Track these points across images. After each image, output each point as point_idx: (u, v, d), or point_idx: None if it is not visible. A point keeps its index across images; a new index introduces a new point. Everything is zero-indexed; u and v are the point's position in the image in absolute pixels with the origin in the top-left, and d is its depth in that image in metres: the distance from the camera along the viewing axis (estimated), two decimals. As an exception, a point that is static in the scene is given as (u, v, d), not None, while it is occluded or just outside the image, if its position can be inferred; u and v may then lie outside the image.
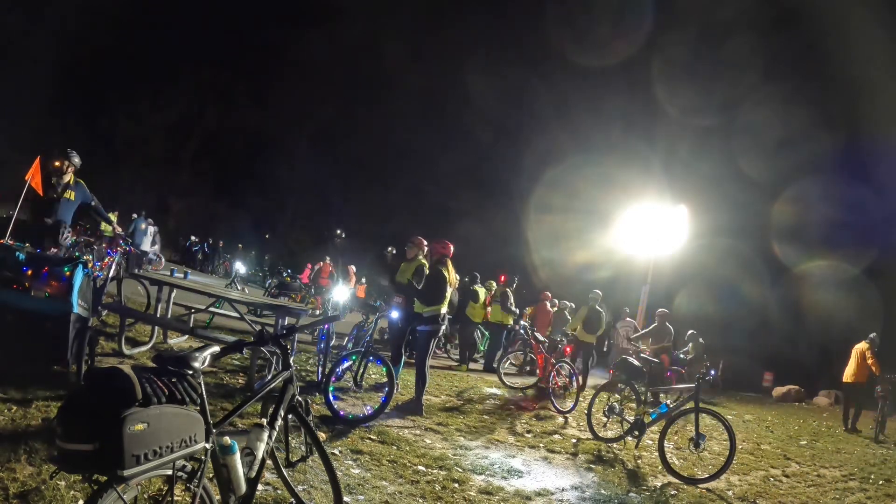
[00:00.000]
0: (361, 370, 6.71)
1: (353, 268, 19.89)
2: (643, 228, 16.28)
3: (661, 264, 17.14)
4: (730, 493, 5.84)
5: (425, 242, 8.03)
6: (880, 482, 7.14)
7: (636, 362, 7.66)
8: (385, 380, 6.60)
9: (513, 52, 41.88)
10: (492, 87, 38.48)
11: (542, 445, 6.55)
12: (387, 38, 41.77)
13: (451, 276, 7.48)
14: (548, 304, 14.12)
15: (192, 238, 30.92)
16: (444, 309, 7.36)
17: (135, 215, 18.91)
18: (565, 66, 35.55)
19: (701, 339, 13.88)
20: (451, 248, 7.61)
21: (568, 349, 10.55)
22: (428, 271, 7.56)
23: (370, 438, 5.51)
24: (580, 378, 9.48)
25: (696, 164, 29.54)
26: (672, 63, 32.63)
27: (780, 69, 32.67)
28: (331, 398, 6.06)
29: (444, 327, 7.66)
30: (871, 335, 11.63)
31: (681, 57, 33.30)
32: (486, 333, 13.83)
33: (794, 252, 26.38)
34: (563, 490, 5.12)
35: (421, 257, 7.93)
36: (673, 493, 5.59)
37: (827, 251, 25.54)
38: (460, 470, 5.11)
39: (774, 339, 23.81)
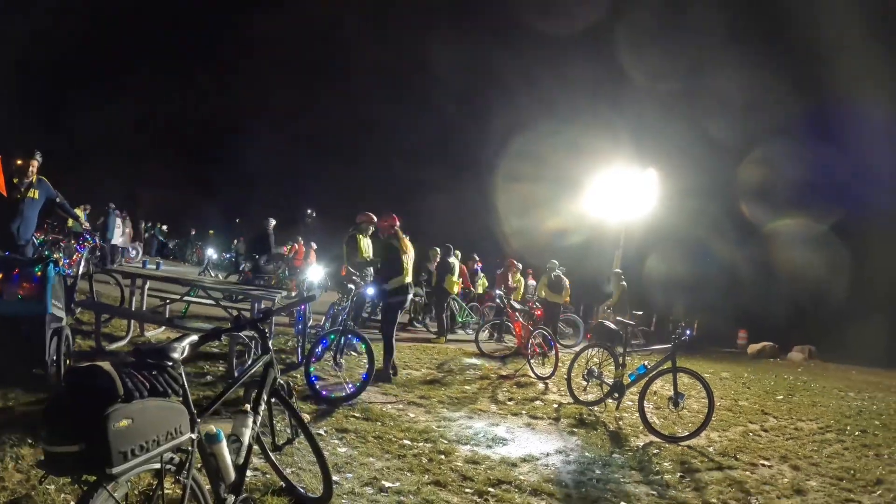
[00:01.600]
0: (341, 349, 6.74)
1: (314, 245, 19.97)
2: (614, 193, 16.43)
3: (633, 228, 17.37)
4: (710, 449, 5.98)
5: (375, 218, 8.15)
6: (856, 433, 7.35)
7: (612, 325, 7.78)
8: (365, 357, 6.64)
9: (476, 20, 41.56)
10: (456, 58, 38.21)
11: (524, 412, 6.66)
12: (346, 12, 41.17)
13: (405, 246, 7.56)
14: (510, 273, 14.37)
15: (146, 223, 28.42)
16: (408, 279, 7.51)
17: (111, 205, 18.42)
18: (530, 34, 35.42)
19: (624, 282, 14.11)
20: (398, 219, 7.72)
21: (539, 313, 10.64)
22: (379, 245, 7.65)
23: (354, 416, 5.55)
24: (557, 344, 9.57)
25: (663, 127, 29.78)
26: (637, 28, 32.66)
27: (746, 32, 32.88)
28: (312, 379, 6.09)
29: (409, 297, 7.76)
30: None
31: (646, 21, 33.35)
32: (464, 305, 13.96)
33: (762, 211, 26.80)
34: (547, 455, 5.21)
35: (373, 231, 8.01)
36: (655, 451, 5.73)
37: (795, 210, 25.98)
38: (445, 441, 5.18)
39: (747, 297, 24.26)
